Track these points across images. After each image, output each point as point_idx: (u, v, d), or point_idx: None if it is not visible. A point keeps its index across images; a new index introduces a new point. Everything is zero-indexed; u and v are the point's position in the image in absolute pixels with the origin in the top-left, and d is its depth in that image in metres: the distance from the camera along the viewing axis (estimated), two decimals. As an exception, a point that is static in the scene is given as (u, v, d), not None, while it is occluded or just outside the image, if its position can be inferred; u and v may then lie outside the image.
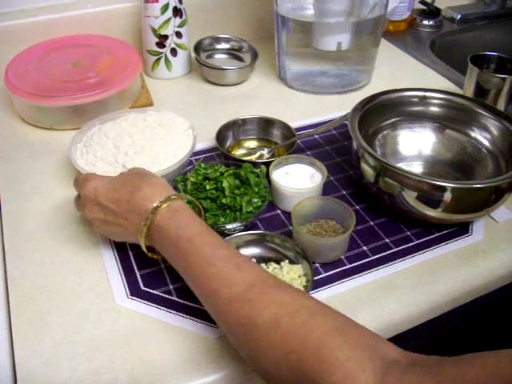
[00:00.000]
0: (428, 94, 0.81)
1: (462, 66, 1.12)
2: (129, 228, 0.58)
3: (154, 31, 0.95)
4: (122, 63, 0.91)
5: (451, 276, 0.66)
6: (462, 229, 0.72)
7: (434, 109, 0.81)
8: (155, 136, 0.74)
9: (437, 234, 0.71)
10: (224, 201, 0.67)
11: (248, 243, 0.66)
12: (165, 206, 0.55)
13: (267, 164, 0.74)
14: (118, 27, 1.03)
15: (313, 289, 0.62)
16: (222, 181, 0.68)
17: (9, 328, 0.58)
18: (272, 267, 0.64)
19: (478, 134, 0.78)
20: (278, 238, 0.66)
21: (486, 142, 0.77)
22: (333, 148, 0.87)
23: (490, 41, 1.30)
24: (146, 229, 0.56)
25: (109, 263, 0.65)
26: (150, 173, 0.62)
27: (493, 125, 0.76)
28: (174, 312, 0.60)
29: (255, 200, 0.68)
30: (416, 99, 0.81)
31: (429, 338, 0.72)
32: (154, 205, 0.55)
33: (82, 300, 0.61)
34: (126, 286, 0.62)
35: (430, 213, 0.68)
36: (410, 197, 0.67)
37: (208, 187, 0.68)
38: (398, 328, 0.63)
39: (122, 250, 0.67)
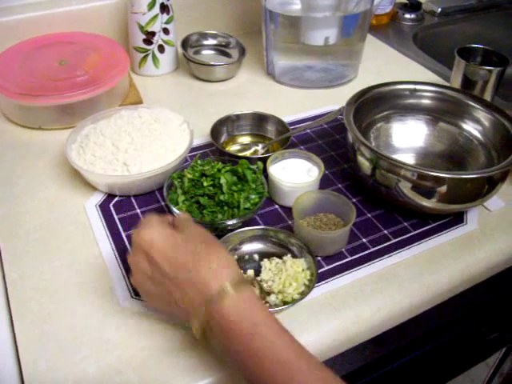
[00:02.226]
0: (418, 86, 0.82)
1: (444, 58, 1.14)
2: (178, 299, 0.49)
3: (141, 28, 0.94)
4: (109, 61, 0.90)
5: (449, 265, 0.67)
6: (457, 218, 0.74)
7: (425, 101, 0.82)
8: (153, 132, 0.73)
9: (433, 225, 0.73)
10: (222, 197, 0.67)
11: (252, 238, 0.66)
12: (234, 291, 0.47)
13: (263, 159, 0.74)
14: (103, 24, 1.01)
15: (317, 282, 0.63)
16: (220, 177, 0.67)
17: (12, 332, 0.57)
18: (275, 262, 0.64)
19: (469, 126, 0.80)
20: (282, 234, 0.66)
21: (477, 134, 0.79)
22: (325, 142, 0.87)
23: (470, 33, 1.33)
24: (206, 312, 0.47)
25: (110, 264, 0.64)
26: (216, 242, 0.54)
27: (484, 117, 0.78)
28: (180, 310, 0.59)
29: (253, 196, 0.68)
30: (407, 92, 0.82)
31: (428, 327, 0.73)
32: (222, 287, 0.47)
33: (86, 302, 0.60)
34: (130, 286, 0.62)
35: (427, 203, 0.69)
36: (406, 188, 0.68)
37: (205, 184, 0.68)
38: (400, 318, 0.64)
39: (122, 248, 0.66)
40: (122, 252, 0.66)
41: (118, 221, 0.70)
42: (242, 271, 0.51)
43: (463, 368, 0.96)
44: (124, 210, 0.72)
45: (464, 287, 0.68)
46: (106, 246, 0.67)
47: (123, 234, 0.68)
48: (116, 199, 0.74)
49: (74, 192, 0.74)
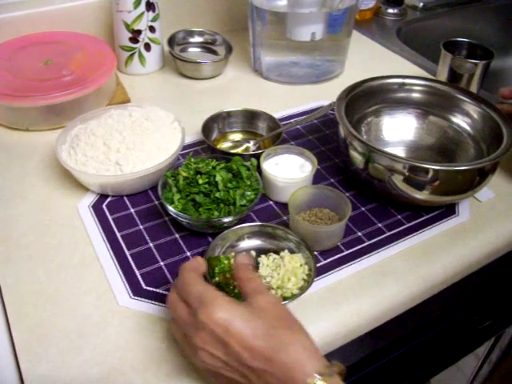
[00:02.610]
0: (407, 80, 0.83)
1: (427, 52, 1.16)
2: None
3: (127, 26, 0.93)
4: (96, 60, 0.89)
5: (444, 256, 0.68)
6: (449, 210, 0.75)
7: (415, 95, 0.82)
8: (144, 131, 0.73)
9: (426, 217, 0.73)
10: (218, 195, 0.66)
11: (249, 235, 0.66)
12: (323, 381, 0.43)
13: (255, 156, 0.74)
14: (87, 23, 1.00)
15: (316, 276, 0.63)
16: (215, 175, 0.67)
17: (10, 338, 0.56)
18: (272, 258, 0.64)
19: (458, 119, 0.81)
20: (279, 229, 0.66)
21: (466, 127, 0.80)
22: (316, 137, 0.87)
23: (451, 27, 1.34)
24: None
25: (106, 264, 0.64)
26: (296, 321, 0.49)
27: (473, 110, 0.79)
28: (179, 309, 0.59)
29: (248, 193, 0.68)
30: (396, 86, 0.83)
31: (424, 318, 0.74)
32: (309, 380, 0.43)
33: (84, 304, 0.59)
34: (128, 286, 0.61)
35: (419, 196, 0.69)
36: (399, 181, 0.69)
37: (201, 181, 0.67)
38: (398, 310, 0.64)
39: (118, 249, 0.65)
40: (117, 252, 0.65)
41: (111, 221, 0.69)
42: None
43: (457, 357, 0.97)
44: (117, 210, 0.71)
45: (458, 277, 0.69)
46: (100, 246, 0.66)
47: (118, 234, 0.67)
48: (109, 199, 0.73)
49: (66, 193, 0.73)
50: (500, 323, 0.99)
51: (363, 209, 0.74)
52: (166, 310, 0.58)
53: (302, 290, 0.60)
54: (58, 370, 0.52)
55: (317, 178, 0.77)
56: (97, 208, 0.71)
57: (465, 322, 0.88)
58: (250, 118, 0.84)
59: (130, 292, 0.60)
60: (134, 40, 0.95)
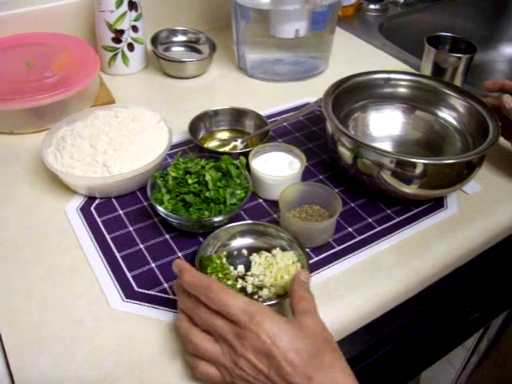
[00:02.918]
0: (392, 75, 0.83)
1: (410, 47, 1.16)
2: None
3: (110, 26, 0.92)
4: (79, 61, 0.88)
5: (435, 249, 0.68)
6: (437, 203, 0.75)
7: (401, 90, 0.83)
8: (131, 131, 0.72)
9: (415, 211, 0.74)
10: (208, 194, 0.66)
11: (239, 234, 0.66)
12: None
13: (244, 154, 0.74)
14: (68, 23, 0.98)
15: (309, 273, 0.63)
16: (205, 174, 0.66)
17: (1, 346, 0.55)
18: (264, 256, 0.63)
19: (444, 113, 0.81)
20: (270, 227, 0.65)
21: (452, 121, 0.80)
22: (302, 134, 0.87)
23: (432, 23, 1.35)
24: None
25: (97, 267, 0.63)
26: (339, 350, 0.50)
27: (459, 104, 0.79)
28: (173, 310, 0.58)
29: (238, 192, 0.68)
30: (382, 81, 0.83)
31: (416, 311, 0.74)
32: None
33: (75, 308, 0.58)
34: (119, 288, 0.60)
35: (409, 190, 0.70)
36: (388, 176, 0.69)
37: (190, 181, 0.67)
38: (391, 304, 0.65)
39: (109, 252, 0.65)
40: (107, 255, 0.64)
41: (100, 223, 0.68)
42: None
43: (448, 349, 0.98)
44: (106, 212, 0.70)
45: (449, 269, 0.69)
46: (90, 249, 0.65)
47: (107, 237, 0.67)
48: (97, 202, 0.72)
49: (53, 196, 0.72)
50: (489, 314, 1.01)
51: (353, 204, 0.74)
52: (158, 312, 0.58)
53: (296, 287, 0.60)
54: (51, 376, 0.52)
55: (305, 175, 0.77)
56: (85, 211, 0.70)
57: (456, 313, 0.89)
58: (237, 116, 0.84)
59: (122, 295, 0.60)
60: (117, 40, 0.94)
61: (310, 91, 1.00)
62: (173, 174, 0.66)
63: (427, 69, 0.94)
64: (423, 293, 0.68)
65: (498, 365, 0.75)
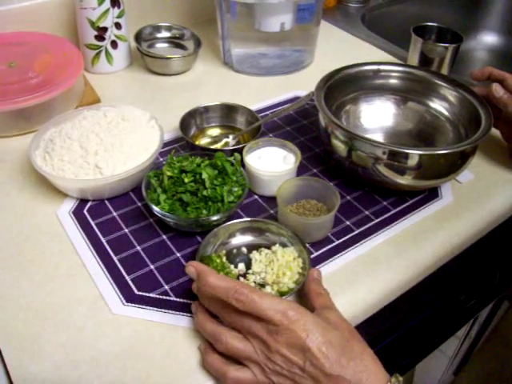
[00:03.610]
0: (382, 67, 0.83)
1: (393, 37, 1.17)
2: None
3: (92, 24, 0.90)
4: (62, 60, 0.85)
5: (432, 239, 0.68)
6: (432, 194, 0.75)
7: (392, 81, 0.83)
8: (122, 131, 0.70)
9: (410, 201, 0.74)
10: (205, 193, 0.65)
11: (238, 232, 0.65)
12: None
13: (236, 151, 0.73)
14: (49, 22, 0.95)
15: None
16: (201, 172, 0.65)
17: (0, 358, 0.53)
18: (264, 253, 0.63)
19: (436, 104, 0.81)
20: (272, 224, 0.65)
21: (444, 111, 0.80)
22: (294, 128, 0.87)
23: (414, 12, 1.35)
24: None
25: (94, 272, 0.61)
26: (364, 340, 0.51)
27: (450, 94, 0.79)
28: (175, 312, 0.57)
29: (235, 189, 0.67)
30: (371, 73, 0.83)
31: (416, 302, 0.74)
32: None
33: (75, 315, 0.57)
34: (119, 293, 0.59)
35: (403, 181, 0.70)
36: (383, 167, 0.69)
37: (186, 180, 0.65)
38: (392, 296, 0.65)
39: (105, 255, 0.63)
40: (104, 258, 0.63)
41: (95, 226, 0.67)
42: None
43: (445, 337, 0.99)
44: (100, 214, 0.69)
45: (447, 259, 0.70)
46: (86, 254, 0.63)
47: (103, 240, 0.65)
48: (89, 204, 0.70)
49: (43, 200, 0.70)
50: (483, 301, 1.02)
51: (348, 197, 0.74)
52: (160, 315, 0.57)
53: (298, 283, 0.59)
54: (55, 386, 0.50)
55: (299, 169, 0.76)
56: (78, 214, 0.69)
57: (453, 301, 0.89)
58: (228, 112, 0.83)
59: (122, 299, 0.58)
60: (100, 38, 0.92)
61: (297, 85, 0.99)
62: (168, 174, 0.65)
63: (414, 59, 0.94)
64: (421, 283, 0.68)
65: (497, 352, 0.76)
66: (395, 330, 0.79)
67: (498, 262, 0.95)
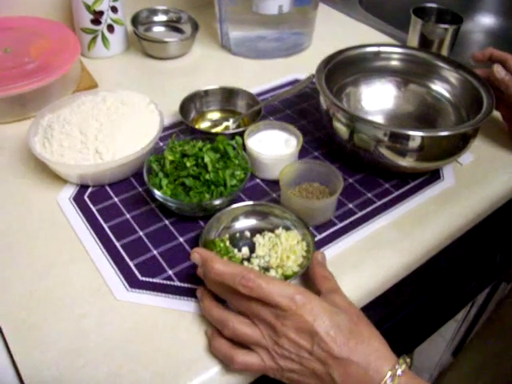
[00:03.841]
0: (382, 49, 0.82)
1: (391, 19, 1.15)
2: (338, 379, 0.46)
3: (88, 7, 0.88)
4: (58, 45, 0.84)
5: (436, 221, 0.68)
6: (434, 175, 0.75)
7: (392, 63, 0.82)
8: (121, 116, 0.69)
9: (412, 184, 0.74)
10: (207, 177, 0.64)
11: (242, 215, 0.64)
12: (402, 371, 0.46)
13: (237, 134, 0.72)
14: (44, 6, 0.94)
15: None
16: (203, 156, 0.65)
17: (5, 346, 0.52)
18: (268, 236, 0.62)
19: (437, 86, 0.81)
20: (276, 208, 0.64)
21: (445, 93, 0.80)
22: (294, 111, 0.86)
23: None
24: None
25: (96, 258, 0.60)
26: (367, 319, 0.51)
27: (451, 76, 0.79)
28: (180, 297, 0.57)
29: (238, 172, 0.66)
30: (372, 55, 0.82)
31: (417, 285, 0.74)
32: (396, 367, 0.46)
33: (79, 302, 0.56)
34: (123, 279, 0.58)
35: (406, 163, 0.70)
36: (386, 150, 0.68)
37: (188, 164, 0.65)
38: (396, 279, 0.65)
39: (108, 241, 0.62)
40: (107, 244, 0.62)
41: (96, 212, 0.66)
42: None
43: (445, 319, 1.00)
44: (100, 200, 0.68)
45: (450, 240, 0.70)
46: (88, 240, 0.63)
47: (105, 226, 0.64)
48: (90, 190, 0.69)
49: (43, 187, 0.69)
50: (483, 282, 1.02)
51: (351, 180, 0.73)
52: (164, 300, 0.56)
53: (303, 266, 0.59)
54: (61, 372, 0.50)
55: (300, 153, 0.76)
56: (78, 200, 0.68)
57: (453, 284, 0.90)
58: (228, 95, 0.82)
59: (126, 285, 0.58)
60: (96, 22, 0.90)
61: (296, 68, 0.98)
62: (170, 158, 0.64)
63: (414, 41, 0.93)
64: (422, 266, 0.68)
65: (499, 332, 0.77)
66: (396, 313, 0.79)
67: (499, 243, 0.95)
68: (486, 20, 1.48)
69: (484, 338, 0.84)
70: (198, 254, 0.52)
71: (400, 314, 0.81)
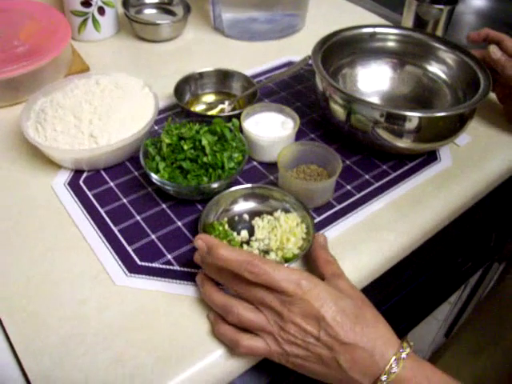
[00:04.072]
0: (377, 29, 0.81)
1: (385, 1, 1.14)
2: (344, 364, 0.46)
3: (78, -11, 0.86)
4: (48, 28, 0.82)
5: (433, 202, 0.68)
6: (431, 156, 0.75)
7: (388, 44, 0.81)
8: (115, 99, 0.68)
9: (410, 165, 0.73)
10: (205, 159, 0.63)
11: (240, 198, 0.64)
12: (406, 354, 0.46)
13: (233, 117, 0.71)
14: (31, -12, 0.92)
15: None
16: (201, 139, 0.64)
17: (5, 336, 0.51)
18: (267, 219, 0.62)
19: (434, 67, 0.80)
20: (274, 191, 0.64)
21: (442, 75, 0.79)
22: (289, 93, 0.85)
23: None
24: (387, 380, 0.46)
25: (95, 244, 0.60)
26: (371, 303, 0.51)
27: (447, 57, 0.78)
28: (180, 281, 0.56)
29: (235, 155, 0.65)
30: (367, 36, 0.81)
31: (417, 264, 0.74)
32: (400, 350, 0.47)
33: (78, 288, 0.55)
34: (122, 264, 0.58)
35: (403, 144, 0.69)
36: (383, 131, 0.68)
37: (186, 147, 0.64)
38: (396, 258, 0.64)
39: (105, 226, 0.62)
40: (104, 230, 0.61)
41: (92, 197, 0.65)
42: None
43: (441, 301, 1.00)
44: (96, 185, 0.67)
45: (448, 221, 0.70)
46: (85, 225, 0.62)
47: (101, 211, 0.63)
48: (85, 175, 0.68)
49: (37, 173, 0.68)
50: (478, 263, 1.03)
51: (348, 162, 0.73)
52: (164, 284, 0.56)
53: (303, 249, 0.59)
54: (62, 358, 0.49)
55: (297, 134, 0.75)
56: (73, 185, 0.67)
57: (449, 265, 0.90)
58: (223, 78, 0.81)
59: (125, 270, 0.57)
60: (87, 4, 0.88)
61: (290, 50, 0.97)
62: (167, 141, 0.63)
63: (408, 22, 0.92)
64: (419, 247, 0.68)
65: (481, 311, 0.78)
66: (393, 295, 0.80)
67: (494, 224, 0.96)
68: (477, 2, 1.48)
69: (481, 317, 0.85)
70: (201, 241, 0.51)
71: (396, 296, 0.81)
